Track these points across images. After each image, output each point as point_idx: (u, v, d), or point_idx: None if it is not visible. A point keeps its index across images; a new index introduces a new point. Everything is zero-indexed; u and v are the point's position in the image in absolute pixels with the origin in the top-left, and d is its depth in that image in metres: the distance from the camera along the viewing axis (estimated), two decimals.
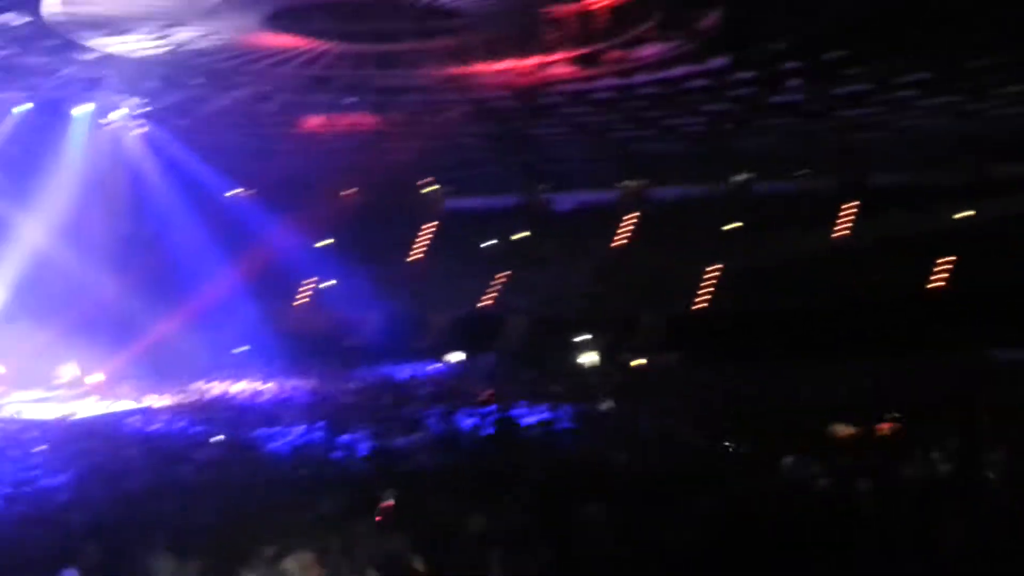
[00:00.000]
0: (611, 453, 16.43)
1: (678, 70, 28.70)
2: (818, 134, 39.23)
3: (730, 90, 31.40)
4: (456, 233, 48.49)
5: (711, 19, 25.11)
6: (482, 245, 47.02)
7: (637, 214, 46.38)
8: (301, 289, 46.11)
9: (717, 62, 28.18)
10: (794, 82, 30.79)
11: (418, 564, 10.52)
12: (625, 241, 45.73)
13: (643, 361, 34.11)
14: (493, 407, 23.85)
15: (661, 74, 29.09)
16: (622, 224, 46.36)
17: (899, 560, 10.27)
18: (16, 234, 34.88)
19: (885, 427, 17.61)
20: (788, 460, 14.37)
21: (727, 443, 17.59)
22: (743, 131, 38.01)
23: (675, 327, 37.70)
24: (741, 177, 45.70)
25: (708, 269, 40.90)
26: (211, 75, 30.18)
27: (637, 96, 31.83)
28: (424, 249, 48.23)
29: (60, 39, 25.23)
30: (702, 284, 40.50)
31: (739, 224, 43.10)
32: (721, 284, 40.25)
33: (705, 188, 45.84)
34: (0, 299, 35.79)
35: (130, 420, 24.72)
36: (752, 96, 32.18)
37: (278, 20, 26.33)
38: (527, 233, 47.21)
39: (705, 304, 39.81)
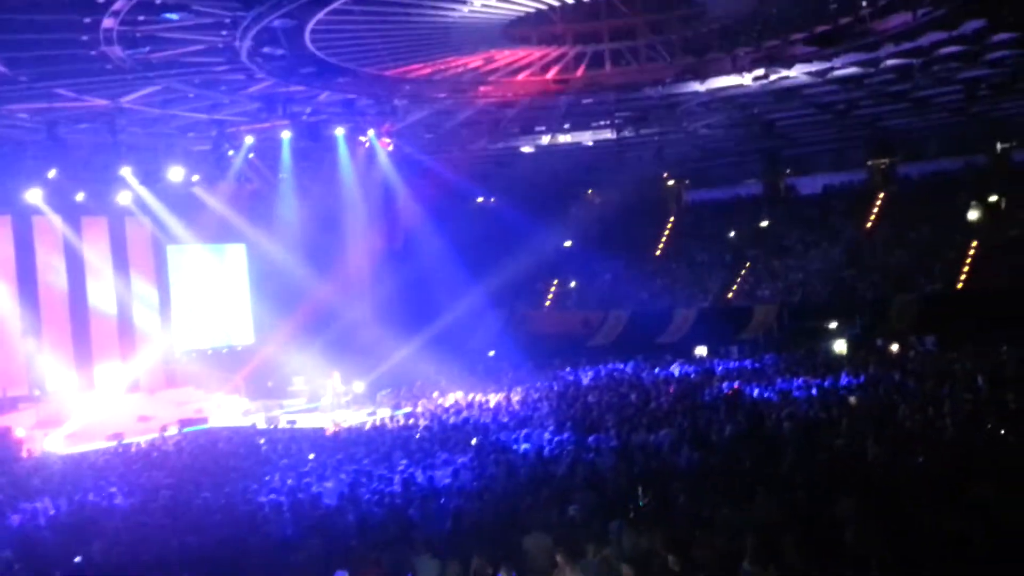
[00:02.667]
0: (865, 445, 16.05)
1: (927, 38, 27.36)
2: None
3: (986, 54, 29.57)
4: (699, 225, 48.28)
5: None
6: (727, 235, 46.54)
7: (887, 193, 44.69)
8: (549, 290, 47.09)
9: (971, 25, 26.66)
10: None
11: (672, 561, 10.74)
12: (875, 222, 44.04)
13: (897, 346, 32.79)
14: (741, 401, 23.67)
15: (909, 44, 27.82)
16: (871, 205, 44.74)
17: None
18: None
19: None
20: None
21: (992, 431, 16.84)
22: (1002, 98, 35.68)
23: (930, 309, 35.93)
24: (1002, 147, 43.18)
25: (966, 246, 38.81)
26: (455, 88, 31.42)
27: (884, 70, 30.59)
28: (668, 243, 48.18)
29: (316, 66, 26.92)
30: (959, 262, 38.45)
31: (999, 197, 40.67)
32: (980, 261, 38.07)
33: (961, 161, 43.60)
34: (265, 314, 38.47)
35: (389, 427, 25.95)
36: (1011, 59, 30.18)
37: (514, 29, 27.11)
38: (771, 220, 46.33)
39: (962, 284, 37.71)
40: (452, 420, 25.59)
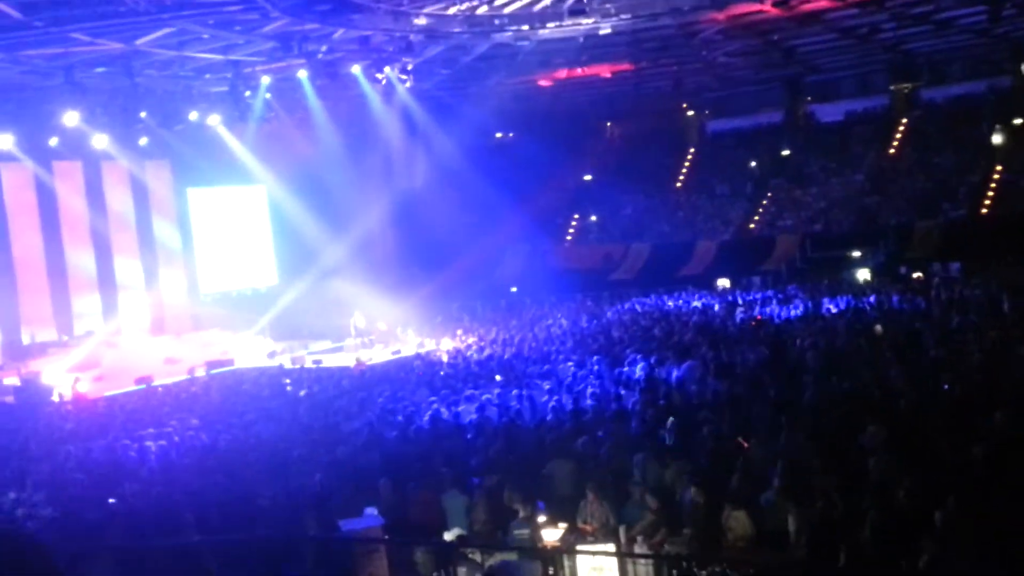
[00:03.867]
0: (890, 373, 16.03)
1: None
2: None
3: None
4: (720, 155, 47.89)
5: None
6: (747, 165, 46.17)
7: (910, 119, 44.14)
8: (570, 225, 46.97)
9: None
10: None
11: (695, 492, 10.84)
12: (898, 148, 43.55)
13: (920, 274, 32.59)
14: (764, 331, 23.65)
15: None
16: (894, 130, 44.21)
17: None
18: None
19: None
20: None
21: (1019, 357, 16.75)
22: None
23: (955, 235, 35.62)
24: None
25: (990, 171, 38.35)
26: (470, 22, 31.08)
27: None
28: (688, 175, 47.86)
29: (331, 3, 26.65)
30: (984, 187, 38.03)
31: None
32: (1004, 186, 37.64)
33: (985, 84, 42.92)
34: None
35: (414, 366, 26.02)
36: None
37: None
38: (792, 149, 45.89)
39: (986, 209, 37.32)
40: (475, 357, 25.67)
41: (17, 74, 28.39)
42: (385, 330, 34.04)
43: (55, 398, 26.82)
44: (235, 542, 10.70)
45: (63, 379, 28.90)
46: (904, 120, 44.22)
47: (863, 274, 34.40)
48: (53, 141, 31.13)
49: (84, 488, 13.98)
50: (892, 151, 43.43)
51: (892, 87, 45.05)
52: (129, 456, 16.21)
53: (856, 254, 36.33)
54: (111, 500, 13.02)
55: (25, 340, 32.72)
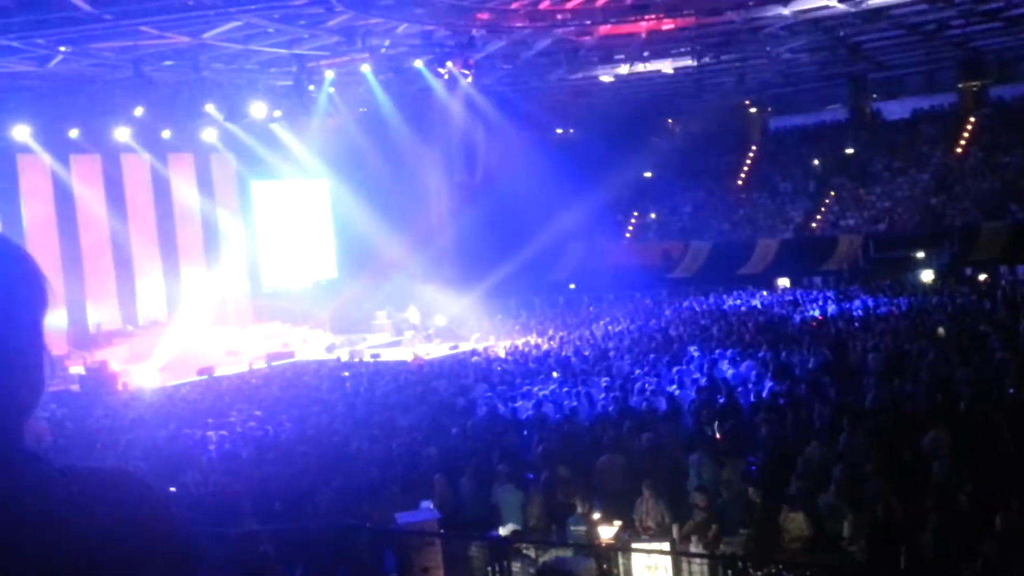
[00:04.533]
0: (954, 376, 15.76)
1: None
2: None
3: None
4: (782, 153, 47.41)
5: None
6: (810, 163, 45.64)
7: (978, 117, 43.33)
8: (630, 222, 46.80)
9: None
10: None
11: (752, 493, 10.75)
12: (965, 147, 42.76)
13: (986, 276, 32.00)
14: (822, 333, 23.37)
15: None
16: (962, 129, 43.42)
17: None
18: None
19: None
20: None
21: None
22: None
23: (1022, 237, 34.84)
24: None
25: None
26: (532, 17, 31.11)
27: None
28: (750, 172, 47.43)
29: None
30: None
31: None
32: None
33: None
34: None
35: (473, 360, 26.11)
36: None
37: None
38: (856, 147, 45.28)
39: None
40: (533, 353, 25.70)
41: (87, 66, 28.98)
42: (444, 325, 34.19)
43: (119, 387, 27.33)
44: (292, 530, 10.83)
45: (127, 368, 29.44)
46: (972, 119, 43.42)
47: (927, 275, 33.85)
48: (120, 133, 31.67)
49: (146, 476, 14.22)
50: (959, 150, 42.67)
51: (960, 85, 44.27)
52: (191, 446, 16.47)
53: (920, 255, 35.77)
54: (172, 489, 13.24)
55: (91, 328, 33.36)
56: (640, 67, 37.40)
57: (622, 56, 36.63)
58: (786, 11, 31.07)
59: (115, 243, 34.95)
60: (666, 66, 37.62)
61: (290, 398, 21.85)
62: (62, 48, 26.40)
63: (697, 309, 31.99)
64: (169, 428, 18.31)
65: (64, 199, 33.64)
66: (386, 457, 14.12)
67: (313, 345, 34.01)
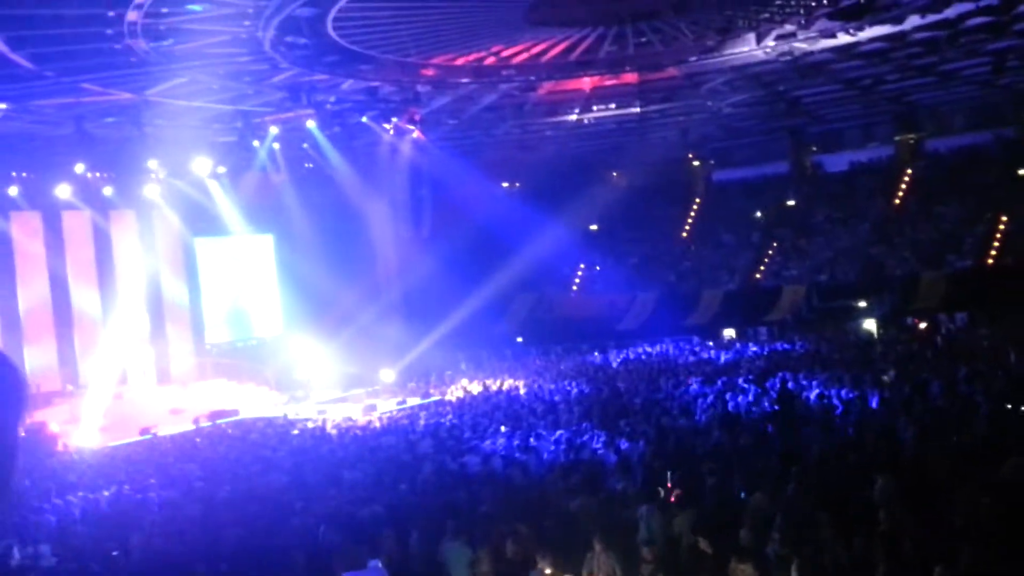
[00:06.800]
0: (898, 426, 15.93)
1: (954, 9, 26.97)
2: None
3: (1015, 24, 29.10)
4: (725, 205, 48.02)
5: None
6: (753, 215, 46.29)
7: (914, 169, 44.30)
8: (576, 274, 47.00)
9: None
10: None
11: (703, 544, 10.73)
12: (903, 198, 43.64)
13: (926, 325, 32.54)
14: (772, 382, 23.54)
15: (936, 16, 27.41)
16: (899, 181, 44.34)
17: None
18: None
19: None
20: None
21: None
22: None
23: (960, 286, 35.54)
24: None
25: (995, 221, 38.36)
26: (477, 73, 31.39)
27: (911, 43, 30.23)
28: (694, 224, 47.97)
29: (339, 54, 26.95)
30: (989, 238, 38.01)
31: None
32: (1010, 236, 37.62)
33: (989, 134, 43.05)
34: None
35: (420, 415, 25.91)
36: None
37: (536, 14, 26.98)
38: (797, 199, 46.05)
39: (992, 259, 37.27)
40: (481, 408, 25.56)
41: (28, 123, 28.70)
42: (391, 382, 33.97)
43: (59, 448, 26.75)
44: None
45: (67, 429, 28.85)
46: (909, 170, 44.35)
47: (869, 324, 34.33)
48: (61, 190, 31.33)
49: (88, 539, 13.90)
50: (897, 201, 43.53)
51: (897, 137, 45.26)
52: (133, 507, 16.12)
53: (862, 304, 36.28)
54: (115, 552, 12.94)
55: (30, 388, 32.66)
56: (587, 116, 37.81)
57: (567, 109, 37.07)
58: (725, 66, 31.66)
59: (55, 301, 34.42)
60: (611, 113, 38.00)
61: (235, 456, 21.51)
62: (2, 105, 26.17)
63: (645, 361, 32.10)
64: (110, 489, 17.93)
65: (3, 256, 33.13)
66: (333, 515, 13.92)
67: (259, 402, 33.57)
